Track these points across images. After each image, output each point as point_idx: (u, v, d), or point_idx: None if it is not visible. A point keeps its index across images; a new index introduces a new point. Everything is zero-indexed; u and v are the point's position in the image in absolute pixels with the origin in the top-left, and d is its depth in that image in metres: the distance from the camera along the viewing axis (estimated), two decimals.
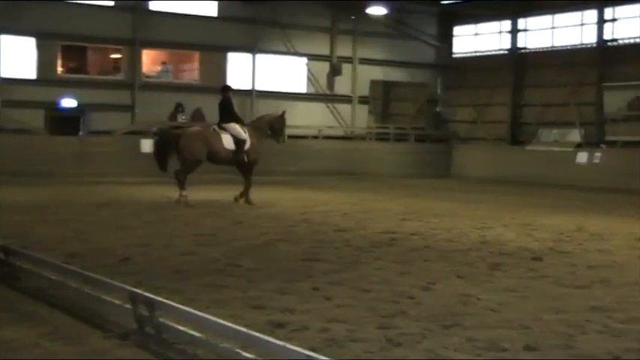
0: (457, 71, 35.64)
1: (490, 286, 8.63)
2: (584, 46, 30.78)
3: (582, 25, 30.92)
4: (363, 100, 34.94)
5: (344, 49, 34.32)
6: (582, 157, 27.87)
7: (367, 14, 32.83)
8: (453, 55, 36.37)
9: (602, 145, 28.89)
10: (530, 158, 29.86)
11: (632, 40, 29.06)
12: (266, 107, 32.22)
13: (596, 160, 27.25)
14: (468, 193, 22.61)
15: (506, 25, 33.74)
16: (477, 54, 35.27)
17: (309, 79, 33.97)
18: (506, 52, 33.69)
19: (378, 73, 35.34)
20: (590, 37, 30.52)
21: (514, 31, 33.25)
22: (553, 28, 32.03)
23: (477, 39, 35.50)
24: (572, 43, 31.24)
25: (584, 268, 9.98)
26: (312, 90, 34.01)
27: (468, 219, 15.49)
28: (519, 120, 33.23)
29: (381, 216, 15.79)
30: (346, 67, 34.39)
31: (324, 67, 34.29)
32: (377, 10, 32.41)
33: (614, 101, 29.83)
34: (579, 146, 29.26)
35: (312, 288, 8.27)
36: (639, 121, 29.67)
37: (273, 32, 32.62)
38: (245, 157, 17.21)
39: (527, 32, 33.10)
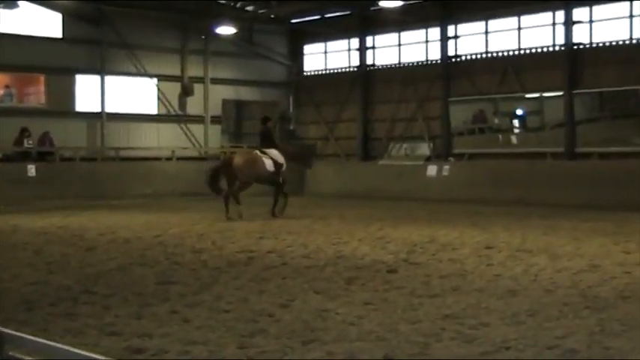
0: (308, 89, 36.04)
1: (347, 300, 8.74)
2: (429, 62, 31.74)
3: (427, 41, 31.88)
4: (216, 120, 34.82)
5: (195, 69, 34.10)
6: (432, 170, 28.68)
7: (217, 34, 32.75)
8: (304, 73, 36.77)
9: (450, 158, 29.84)
10: (383, 173, 30.49)
11: (473, 56, 30.17)
12: (117, 129, 31.72)
13: (445, 173, 28.11)
14: (323, 209, 22.85)
15: (355, 42, 34.39)
16: (327, 71, 35.79)
17: (159, 99, 33.53)
18: (354, 68, 34.32)
19: (230, 92, 35.32)
20: (434, 54, 31.50)
21: (362, 49, 33.93)
22: (399, 45, 32.88)
23: (327, 57, 36.02)
24: (418, 60, 32.15)
25: (436, 278, 10.26)
26: (164, 111, 33.59)
27: (323, 235, 15.66)
28: (370, 135, 33.87)
29: (237, 235, 15.76)
30: (198, 87, 34.17)
31: (175, 87, 33.94)
32: (226, 30, 32.36)
33: (460, 115, 30.91)
34: (429, 159, 30.13)
35: (170, 311, 8.16)
36: (483, 133, 30.89)
37: (121, 53, 32.04)
38: (280, 179, 19.73)
39: (375, 49, 33.84)
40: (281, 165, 19.67)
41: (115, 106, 32.07)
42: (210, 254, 12.82)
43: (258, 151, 19.78)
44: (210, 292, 9.32)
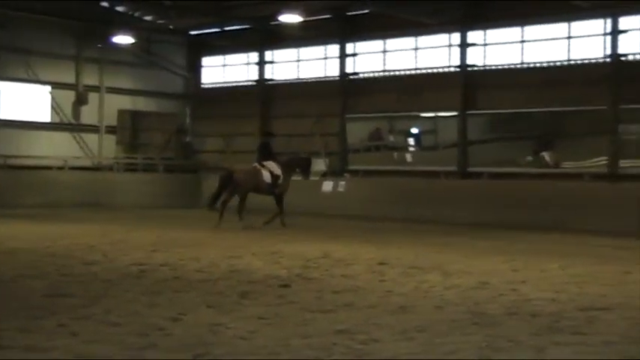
0: (206, 101, 35.82)
1: (240, 315, 8.69)
2: (327, 78, 31.99)
3: (326, 58, 32.16)
4: (111, 130, 34.24)
5: (90, 78, 33.47)
6: (327, 185, 28.88)
7: (114, 43, 32.22)
8: (202, 86, 36.56)
9: (346, 174, 30.11)
10: None
11: (371, 74, 30.57)
12: (8, 137, 30.82)
13: (341, 189, 28.35)
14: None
15: (254, 56, 34.42)
16: (226, 84, 35.68)
17: (53, 107, 32.77)
18: (253, 82, 34.32)
19: (126, 102, 34.81)
20: (333, 70, 31.78)
21: (261, 63, 33.98)
22: (298, 60, 33.07)
23: (226, 70, 35.93)
24: (317, 76, 32.38)
25: (329, 293, 10.31)
26: (57, 119, 32.85)
27: (217, 248, 15.56)
28: None
29: (129, 247, 15.51)
30: (93, 96, 33.53)
31: (70, 95, 33.22)
32: (124, 39, 31.87)
33: (357, 132, 31.25)
34: (325, 175, 30.31)
35: (58, 324, 7.95)
36: (379, 151, 31.31)
37: (13, 59, 31.20)
38: (277, 190, 21.20)
39: (274, 64, 33.93)
40: (277, 177, 21.15)
41: (6, 112, 31.18)
42: (101, 266, 12.57)
43: (257, 164, 21.31)
44: (100, 305, 9.13)
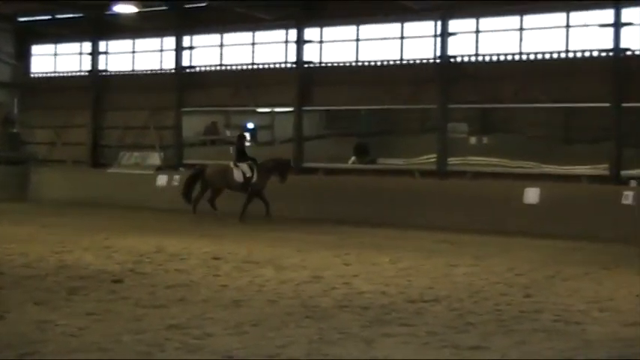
0: (36, 91, 34.52)
1: (69, 311, 8.47)
2: (163, 71, 31.54)
3: (162, 50, 31.69)
4: None
5: None
6: (162, 179, 28.49)
7: None
8: (32, 75, 35.24)
9: (181, 168, 29.79)
10: (112, 181, 29.87)
11: (208, 68, 30.37)
12: None
13: (176, 183, 27.98)
14: (47, 217, 21.98)
15: (87, 46, 33.47)
16: (57, 74, 34.52)
17: None
18: (86, 73, 33.38)
19: None
20: (169, 63, 31.35)
21: (94, 53, 33.08)
22: (134, 52, 32.43)
23: (58, 59, 34.75)
24: (153, 68, 31.86)
25: (163, 288, 10.20)
26: None
27: (46, 243, 15.07)
28: (100, 142, 33.07)
29: None
30: None
31: None
32: None
33: (193, 126, 30.99)
34: (159, 169, 29.88)
35: None
36: (215, 145, 31.19)
37: None
38: (249, 188, 22.67)
39: (108, 55, 33.13)
40: (250, 177, 22.64)
41: None
42: None
43: (232, 163, 22.92)
44: None
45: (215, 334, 7.59)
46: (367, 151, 26.56)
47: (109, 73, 33.02)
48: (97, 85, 32.92)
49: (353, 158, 26.72)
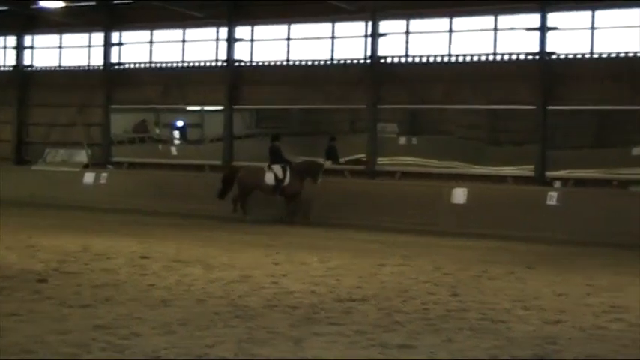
0: None
1: None
2: (91, 67, 31.10)
3: (90, 46, 31.25)
4: None
5: None
6: (89, 177, 28.04)
7: None
8: None
9: (109, 166, 29.42)
10: (37, 178, 29.26)
11: (138, 65, 30.03)
12: None
13: (103, 181, 27.61)
14: None
15: (11, 41, 32.82)
16: None
17: None
18: (11, 68, 32.74)
19: None
20: (97, 59, 30.93)
21: (19, 48, 32.47)
22: (60, 47, 31.90)
23: None
24: (80, 64, 31.39)
25: (89, 288, 10.04)
26: None
27: None
28: (25, 139, 32.47)
29: None
30: None
31: None
32: None
33: (121, 123, 30.64)
34: (86, 167, 29.44)
35: None
36: (144, 143, 30.88)
37: None
38: (282, 192, 22.37)
39: (34, 50, 32.53)
40: (282, 180, 22.26)
41: None
42: None
43: (266, 167, 22.54)
44: None
45: (142, 333, 7.50)
46: (337, 154, 26.01)
47: (34, 69, 32.43)
48: (22, 80, 32.33)
49: (325, 161, 26.26)
